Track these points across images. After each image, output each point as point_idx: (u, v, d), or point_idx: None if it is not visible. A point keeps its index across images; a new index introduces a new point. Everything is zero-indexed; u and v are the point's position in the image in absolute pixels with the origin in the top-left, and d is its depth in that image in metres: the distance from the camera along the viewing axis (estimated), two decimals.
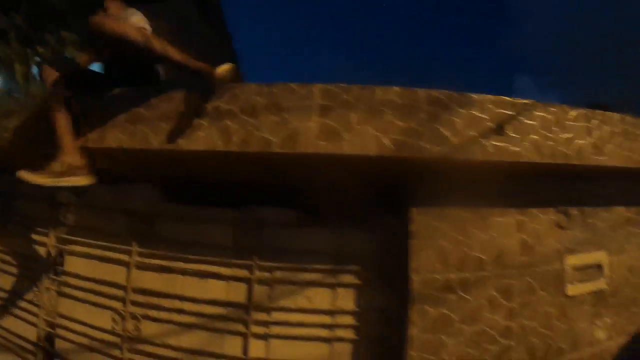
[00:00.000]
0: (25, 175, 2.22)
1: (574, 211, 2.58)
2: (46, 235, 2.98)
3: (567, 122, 2.47)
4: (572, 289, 2.43)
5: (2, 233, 3.24)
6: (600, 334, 2.44)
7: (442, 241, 2.14)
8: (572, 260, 2.46)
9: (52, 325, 2.81)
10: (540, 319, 2.30)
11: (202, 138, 2.24)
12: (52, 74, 2.42)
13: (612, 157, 2.52)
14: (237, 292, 2.41)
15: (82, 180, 2.32)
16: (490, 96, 2.41)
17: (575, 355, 2.36)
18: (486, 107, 2.34)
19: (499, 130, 2.31)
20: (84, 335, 2.68)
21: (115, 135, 2.33)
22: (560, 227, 2.50)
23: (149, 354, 2.52)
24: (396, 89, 2.24)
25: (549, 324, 2.31)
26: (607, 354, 2.49)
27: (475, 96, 2.36)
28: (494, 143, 2.25)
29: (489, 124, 2.28)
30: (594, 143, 2.48)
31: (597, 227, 2.64)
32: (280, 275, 2.36)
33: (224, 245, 2.47)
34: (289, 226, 2.42)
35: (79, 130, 2.43)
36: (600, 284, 2.56)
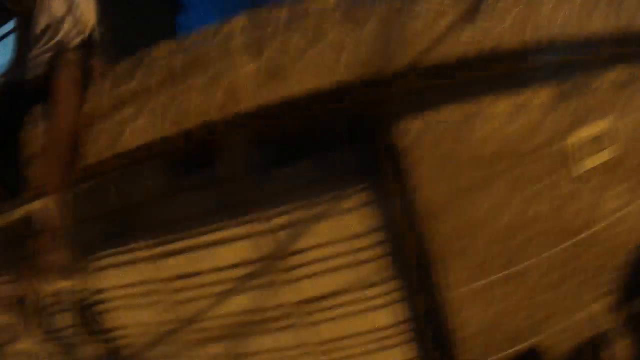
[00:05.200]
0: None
1: (569, 84, 2.18)
2: None
3: None
4: (579, 166, 2.19)
5: None
6: (613, 204, 2.24)
7: (437, 150, 1.88)
8: (576, 136, 2.16)
9: None
10: (551, 205, 2.10)
11: (135, 132, 1.93)
12: None
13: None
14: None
15: None
16: None
17: (593, 231, 2.18)
18: None
19: (470, 16, 1.88)
20: None
21: None
22: (558, 104, 2.14)
23: None
24: None
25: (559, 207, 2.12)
26: (628, 219, 2.31)
27: None
28: (468, 33, 1.85)
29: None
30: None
31: (598, 93, 2.28)
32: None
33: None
34: (278, 167, 2.14)
35: None
36: (610, 152, 2.28)
